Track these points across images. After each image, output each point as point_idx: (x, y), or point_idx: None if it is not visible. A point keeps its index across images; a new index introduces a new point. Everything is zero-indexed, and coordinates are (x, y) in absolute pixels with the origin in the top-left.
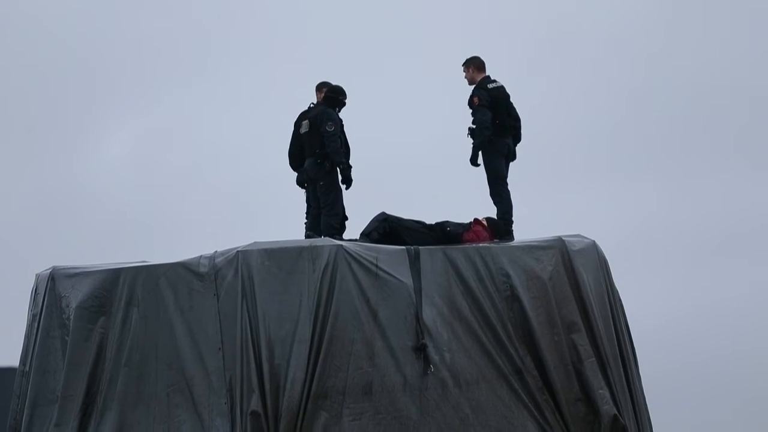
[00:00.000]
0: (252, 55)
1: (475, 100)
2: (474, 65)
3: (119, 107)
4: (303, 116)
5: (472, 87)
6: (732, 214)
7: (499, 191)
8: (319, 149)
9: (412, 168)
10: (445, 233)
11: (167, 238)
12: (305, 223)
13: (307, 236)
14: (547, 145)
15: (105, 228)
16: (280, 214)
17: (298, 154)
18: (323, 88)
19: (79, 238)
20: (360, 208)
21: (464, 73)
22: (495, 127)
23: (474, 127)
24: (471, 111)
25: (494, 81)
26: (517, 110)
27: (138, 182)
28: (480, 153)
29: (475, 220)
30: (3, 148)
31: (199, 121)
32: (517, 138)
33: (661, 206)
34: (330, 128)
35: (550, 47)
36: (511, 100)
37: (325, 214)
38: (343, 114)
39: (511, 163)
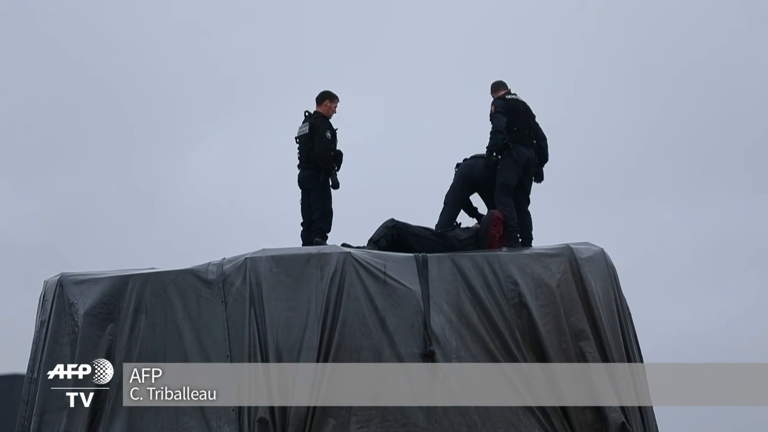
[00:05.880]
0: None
1: (492, 108)
2: (493, 88)
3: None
4: None
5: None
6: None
7: (504, 200)
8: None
9: (421, 174)
10: (476, 236)
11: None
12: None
13: (315, 243)
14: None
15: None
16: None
17: None
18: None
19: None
20: (368, 214)
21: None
22: (513, 134)
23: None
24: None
25: (513, 94)
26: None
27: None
28: (497, 159)
29: (481, 215)
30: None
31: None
32: (543, 157)
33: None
34: None
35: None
36: (537, 120)
37: None
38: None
39: (536, 184)
